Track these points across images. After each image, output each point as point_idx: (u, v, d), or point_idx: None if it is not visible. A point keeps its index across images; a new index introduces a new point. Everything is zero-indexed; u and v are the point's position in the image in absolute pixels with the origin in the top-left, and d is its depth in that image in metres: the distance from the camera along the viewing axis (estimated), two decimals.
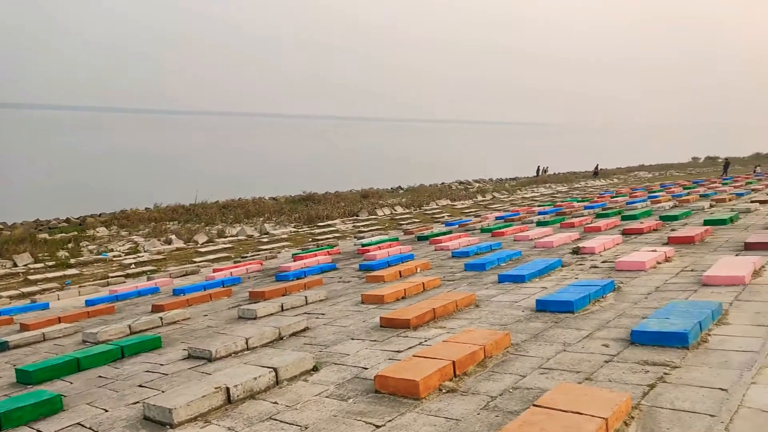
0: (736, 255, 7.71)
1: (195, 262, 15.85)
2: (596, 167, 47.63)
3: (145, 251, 17.83)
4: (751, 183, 24.34)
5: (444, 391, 3.99)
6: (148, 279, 13.29)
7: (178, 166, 59.99)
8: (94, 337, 6.93)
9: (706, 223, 11.02)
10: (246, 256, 16.04)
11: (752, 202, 14.70)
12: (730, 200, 16.27)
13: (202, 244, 19.01)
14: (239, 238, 19.94)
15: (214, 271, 13.04)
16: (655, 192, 22.77)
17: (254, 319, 7.31)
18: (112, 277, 13.97)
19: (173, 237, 19.50)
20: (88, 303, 10.34)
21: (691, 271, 7.14)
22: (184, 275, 13.66)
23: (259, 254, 16.07)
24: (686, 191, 21.56)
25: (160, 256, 16.90)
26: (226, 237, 20.22)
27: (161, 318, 7.79)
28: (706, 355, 4.12)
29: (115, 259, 16.76)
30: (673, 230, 10.68)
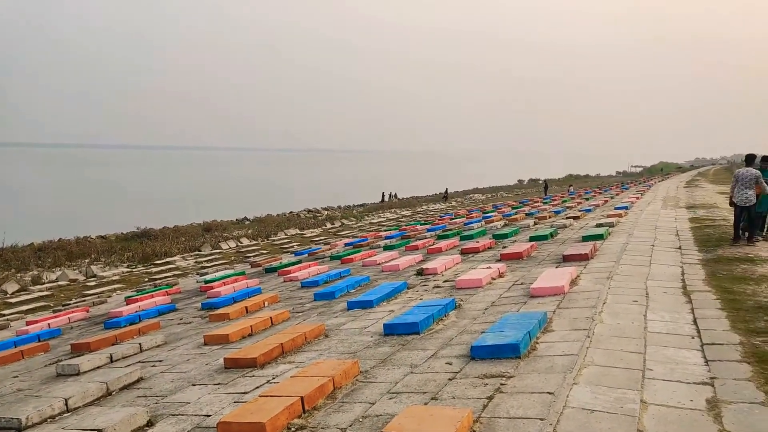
0: (557, 267, 8.57)
1: (3, 315, 13.76)
2: (446, 191, 50.53)
3: None
4: (566, 201, 27.55)
5: (293, 429, 3.82)
6: None
7: None
8: None
9: (532, 239, 12.17)
10: (68, 304, 14.32)
11: (567, 218, 16.60)
12: (550, 217, 18.21)
13: (13, 293, 16.62)
14: (60, 283, 17.80)
15: (28, 323, 11.41)
16: (488, 213, 24.76)
17: (77, 375, 6.45)
18: None
19: None
20: None
21: (521, 284, 7.78)
22: None
23: (84, 300, 14.44)
24: (514, 211, 23.77)
25: None
26: (43, 283, 17.92)
27: None
28: (535, 363, 4.46)
29: None
30: (504, 247, 11.62)
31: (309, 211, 39.27)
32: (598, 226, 13.27)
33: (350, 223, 32.15)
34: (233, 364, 5.68)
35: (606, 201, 24.34)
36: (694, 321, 5.46)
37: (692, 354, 4.56)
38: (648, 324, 5.34)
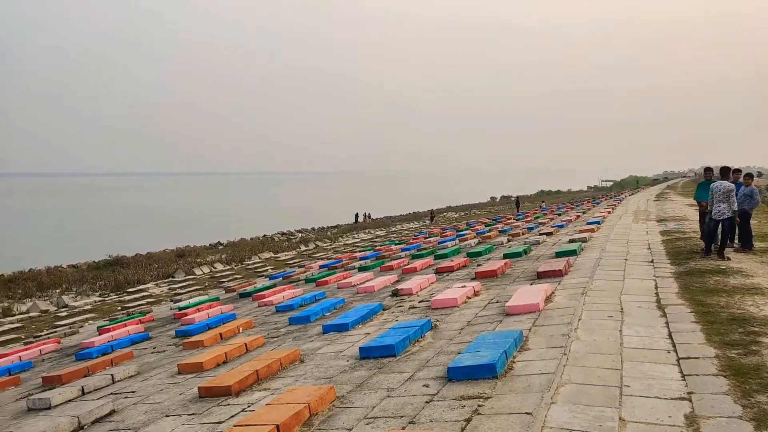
0: (531, 284, 8.63)
1: None
2: (431, 212, 50.30)
3: None
4: (538, 217, 27.86)
5: None
6: None
7: None
8: None
9: (506, 256, 12.26)
10: (39, 336, 13.90)
11: (540, 234, 16.78)
12: (523, 234, 18.39)
13: None
14: (31, 314, 17.29)
15: None
16: (462, 231, 24.88)
17: (48, 408, 6.25)
18: None
19: None
20: None
21: (497, 302, 7.81)
22: None
23: (56, 331, 14.03)
24: (488, 228, 23.94)
25: None
26: (13, 315, 17.40)
27: None
28: (512, 382, 4.46)
29: None
30: (479, 265, 11.67)
31: (283, 233, 39.03)
32: (572, 241, 13.44)
33: (324, 244, 32.02)
34: (208, 393, 5.56)
35: (578, 216, 24.70)
36: (669, 335, 5.53)
37: (669, 369, 4.61)
38: (624, 339, 5.39)
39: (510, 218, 31.12)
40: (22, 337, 14.30)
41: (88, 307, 17.83)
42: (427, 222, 44.01)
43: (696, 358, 4.81)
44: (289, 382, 5.58)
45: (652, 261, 10.14)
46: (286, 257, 27.04)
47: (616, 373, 4.49)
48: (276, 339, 8.03)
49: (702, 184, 12.04)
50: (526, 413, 3.78)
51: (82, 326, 14.53)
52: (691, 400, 3.94)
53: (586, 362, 4.77)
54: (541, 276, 9.19)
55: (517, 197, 60.91)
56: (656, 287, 7.85)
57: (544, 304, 7.03)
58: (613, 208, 27.94)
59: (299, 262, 23.76)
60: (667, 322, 5.99)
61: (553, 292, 7.72)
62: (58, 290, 20.41)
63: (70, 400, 6.47)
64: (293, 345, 7.29)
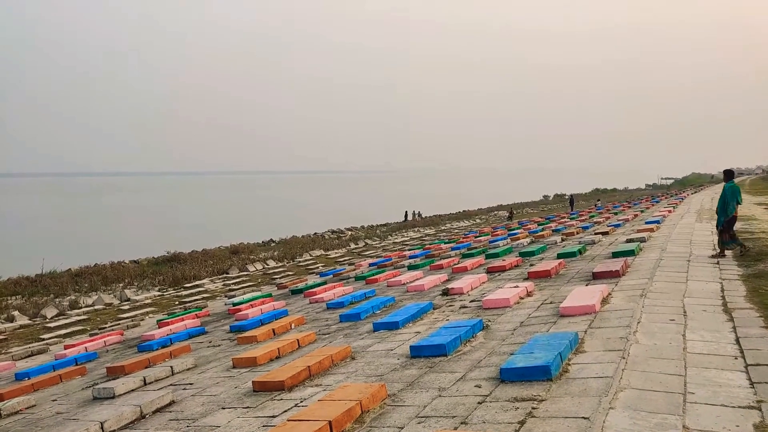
0: (587, 285, 8.39)
1: (43, 339, 14.06)
2: (511, 210, 49.55)
3: None
4: (593, 216, 27.09)
5: None
6: None
7: (18, 234, 54.00)
8: None
9: (559, 256, 11.96)
10: (104, 328, 14.57)
11: (596, 234, 16.30)
12: (577, 233, 17.91)
13: (52, 318, 16.99)
14: (96, 307, 18.13)
15: (66, 347, 11.65)
16: (514, 230, 24.47)
17: (112, 398, 6.55)
18: None
19: (16, 313, 17.24)
20: None
21: (550, 303, 7.63)
22: (29, 356, 12.03)
23: (119, 324, 14.68)
24: (541, 227, 23.44)
25: (1, 337, 14.82)
26: (80, 308, 18.29)
27: None
28: (568, 385, 4.34)
29: None
30: (531, 265, 11.44)
31: (333, 231, 39.43)
32: (629, 241, 12.99)
33: (374, 243, 32.15)
34: (261, 387, 5.68)
35: (636, 215, 23.87)
36: (737, 340, 5.25)
37: (736, 376, 4.38)
38: (687, 344, 5.16)
39: (564, 217, 30.39)
40: (88, 328, 15.03)
41: (148, 301, 18.56)
42: (506, 220, 42.71)
43: (766, 365, 4.55)
44: (341, 378, 5.63)
45: (717, 262, 9.68)
46: (336, 255, 27.32)
47: (679, 379, 4.30)
48: (327, 335, 8.12)
49: None
50: (583, 418, 3.66)
51: (143, 319, 15.14)
52: (760, 409, 3.73)
53: (646, 367, 4.59)
54: (597, 277, 8.92)
55: (571, 195, 59.30)
56: (722, 290, 7.48)
57: (600, 305, 6.82)
58: (674, 207, 26.82)
59: (349, 260, 23.95)
60: (734, 327, 5.69)
61: (609, 294, 7.48)
62: (121, 284, 21.31)
63: (132, 390, 6.76)
64: (344, 342, 7.35)
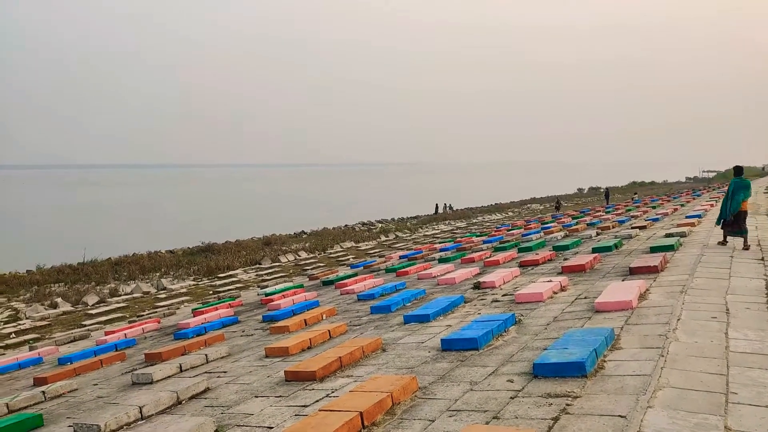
0: (623, 280, 8.20)
1: (84, 325, 14.52)
2: (558, 200, 48.80)
3: (27, 318, 16.14)
4: (630, 210, 26.45)
5: None
6: (30, 349, 11.98)
7: (60, 224, 55.84)
8: None
9: (595, 250, 11.72)
10: (142, 315, 14.96)
11: (633, 228, 15.91)
12: (613, 227, 17.52)
13: (93, 305, 17.54)
14: (134, 295, 18.64)
15: (106, 333, 12.00)
16: (547, 223, 24.09)
17: (150, 383, 6.72)
18: None
19: (59, 300, 17.85)
20: None
21: (585, 298, 7.49)
22: (71, 341, 12.45)
23: (156, 312, 15.05)
24: (575, 221, 23.02)
25: (45, 322, 15.36)
26: (119, 296, 18.83)
27: (44, 392, 6.97)
28: (603, 382, 4.25)
29: None
30: (565, 259, 11.24)
31: (363, 224, 39.56)
32: (668, 236, 12.64)
33: (404, 235, 32.11)
34: (293, 377, 5.73)
35: (676, 209, 23.21)
36: None
37: None
38: (730, 343, 4.99)
39: (599, 210, 29.78)
40: (127, 316, 15.45)
41: (184, 290, 18.97)
42: (554, 210, 41.81)
43: None
44: (372, 370, 5.64)
45: (762, 259, 9.34)
46: (367, 247, 27.40)
47: (721, 379, 4.16)
48: (358, 327, 8.16)
49: None
50: (620, 416, 3.58)
51: (178, 308, 15.48)
52: None
53: (686, 365, 4.46)
54: (634, 272, 8.70)
55: (607, 189, 57.98)
56: (767, 287, 7.22)
57: (637, 301, 6.66)
58: (716, 201, 25.95)
59: (379, 252, 24.00)
60: None
61: (647, 290, 7.30)
62: (157, 274, 21.83)
63: (169, 376, 6.92)
64: (375, 334, 7.37)
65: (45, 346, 11.76)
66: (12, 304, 17.79)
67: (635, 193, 52.14)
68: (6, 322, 15.76)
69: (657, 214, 20.65)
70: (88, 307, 17.33)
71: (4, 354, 12.01)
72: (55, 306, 17.45)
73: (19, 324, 15.30)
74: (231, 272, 21.68)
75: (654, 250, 10.69)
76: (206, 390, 5.94)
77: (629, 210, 26.38)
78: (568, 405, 3.91)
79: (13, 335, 14.10)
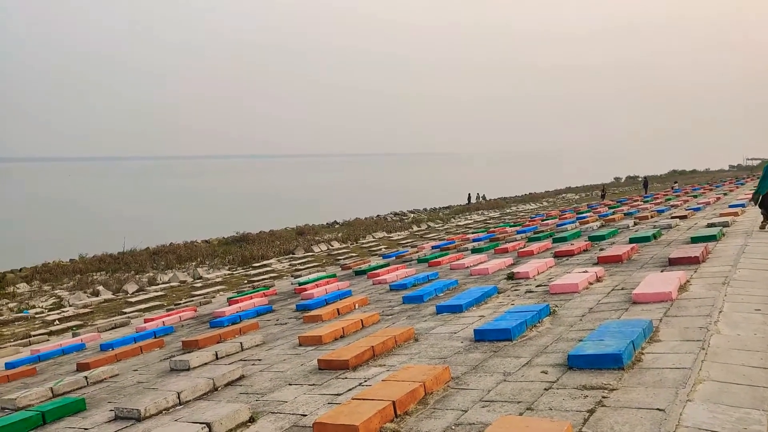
0: (662, 271, 8.00)
1: (125, 313, 14.99)
2: (603, 187, 48.03)
3: (70, 305, 16.75)
4: (670, 199, 25.75)
5: None
6: (74, 335, 12.42)
7: (102, 214, 57.57)
8: (13, 404, 6.34)
9: (632, 240, 11.45)
10: (179, 304, 15.34)
11: (672, 218, 15.49)
12: (652, 217, 17.09)
13: (133, 293, 18.07)
14: (171, 284, 19.12)
15: (146, 321, 12.36)
16: (582, 213, 23.67)
17: (188, 370, 6.89)
18: (34, 335, 12.98)
19: (101, 288, 18.47)
20: (8, 366, 9.49)
21: (621, 289, 7.33)
22: (112, 328, 12.87)
23: (192, 300, 15.41)
24: (611, 210, 22.56)
25: (87, 310, 15.92)
26: (157, 284, 19.34)
27: (86, 377, 7.22)
28: (641, 375, 4.16)
29: (37, 316, 15.65)
30: (601, 250, 11.02)
31: (395, 214, 39.58)
32: (710, 226, 12.26)
33: (436, 225, 32.01)
34: (326, 365, 5.79)
35: (718, 198, 22.50)
36: None
37: None
38: None
39: (637, 200, 29.09)
40: (165, 304, 15.87)
41: (219, 279, 19.35)
42: (600, 198, 40.82)
43: None
44: (404, 359, 5.65)
45: None
46: (399, 237, 27.43)
47: (764, 373, 4.03)
48: (390, 317, 8.18)
49: None
50: (658, 409, 3.50)
51: (214, 297, 15.81)
52: None
53: (728, 359, 4.32)
54: (673, 263, 8.47)
55: (645, 177, 56.50)
56: None
57: (677, 293, 6.48)
58: None
59: (412, 242, 23.99)
60: None
61: (688, 281, 7.10)
62: (193, 263, 22.33)
63: (205, 364, 7.08)
64: (407, 323, 7.37)
65: (87, 333, 12.18)
66: (56, 291, 18.48)
67: (675, 182, 50.73)
68: (50, 309, 16.39)
69: (698, 204, 20.04)
70: (128, 295, 17.86)
71: (48, 340, 12.50)
72: (96, 294, 18.04)
73: (63, 311, 15.88)
74: (265, 262, 22.01)
75: (695, 240, 10.39)
76: (241, 377, 6.05)
77: (669, 199, 25.69)
78: (604, 397, 3.84)
79: (57, 322, 14.65)
